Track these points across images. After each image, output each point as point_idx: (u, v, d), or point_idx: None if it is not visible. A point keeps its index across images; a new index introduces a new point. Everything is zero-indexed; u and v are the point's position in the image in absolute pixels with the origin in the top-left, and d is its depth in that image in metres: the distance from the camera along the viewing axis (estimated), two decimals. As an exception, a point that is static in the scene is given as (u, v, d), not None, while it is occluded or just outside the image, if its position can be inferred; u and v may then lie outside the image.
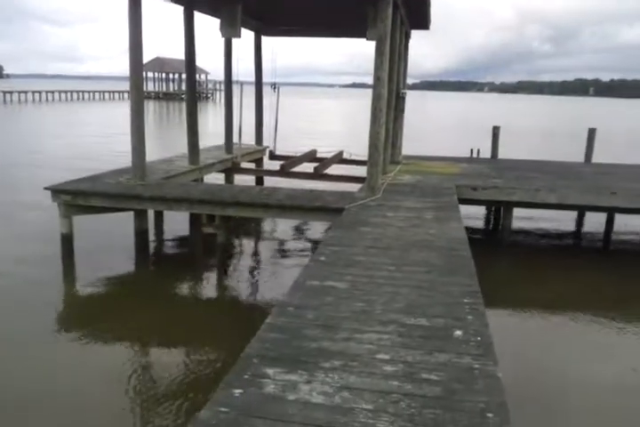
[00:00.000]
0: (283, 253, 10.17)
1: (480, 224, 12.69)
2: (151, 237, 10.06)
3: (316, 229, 11.50)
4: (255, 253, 10.27)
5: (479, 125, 42.57)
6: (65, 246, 8.83)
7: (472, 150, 15.37)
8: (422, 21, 13.58)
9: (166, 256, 9.98)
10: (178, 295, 7.90)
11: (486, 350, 3.70)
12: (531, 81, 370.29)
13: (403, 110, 13.14)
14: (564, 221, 12.59)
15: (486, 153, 14.98)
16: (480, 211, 13.19)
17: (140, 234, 9.22)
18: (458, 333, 3.96)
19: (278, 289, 7.89)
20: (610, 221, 12.08)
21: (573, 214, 12.78)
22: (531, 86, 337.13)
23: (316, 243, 10.62)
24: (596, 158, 14.47)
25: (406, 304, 4.46)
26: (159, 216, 10.90)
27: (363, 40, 11.88)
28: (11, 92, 64.68)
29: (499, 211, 12.19)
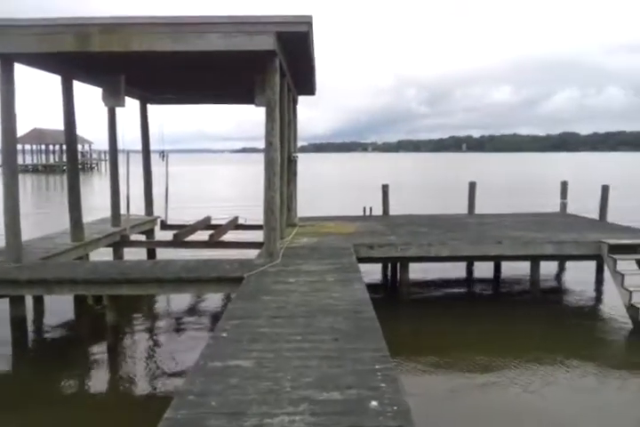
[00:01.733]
0: (181, 330, 9.46)
1: (378, 281, 12.81)
2: (30, 325, 9.03)
3: (216, 300, 11.00)
4: (150, 334, 9.40)
5: (367, 184, 44.46)
6: None
7: (365, 208, 15.80)
8: (308, 87, 14.13)
9: (48, 346, 8.84)
10: (62, 393, 6.93)
11: (404, 419, 3.53)
12: (410, 140, 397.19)
13: (295, 173, 13.32)
14: (455, 270, 13.10)
15: (378, 210, 15.45)
16: (378, 267, 13.39)
17: (17, 324, 8.21)
18: (373, 404, 3.76)
19: (179, 374, 7.31)
20: (497, 268, 12.79)
21: (463, 263, 13.34)
22: (410, 145, 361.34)
23: (216, 316, 10.11)
24: (477, 210, 15.39)
25: (316, 378, 4.22)
26: (39, 301, 9.86)
27: (251, 106, 12.09)
28: None
29: (395, 266, 12.44)
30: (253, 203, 24.31)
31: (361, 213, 15.89)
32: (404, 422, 3.49)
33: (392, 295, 11.45)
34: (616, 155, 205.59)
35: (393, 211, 15.23)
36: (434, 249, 10.17)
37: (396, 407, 3.70)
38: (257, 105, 10.57)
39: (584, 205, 17.14)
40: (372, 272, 12.84)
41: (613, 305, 10.12)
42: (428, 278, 12.70)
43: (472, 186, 15.24)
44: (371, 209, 15.77)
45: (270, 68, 8.75)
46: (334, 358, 4.63)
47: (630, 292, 9.06)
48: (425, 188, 43.62)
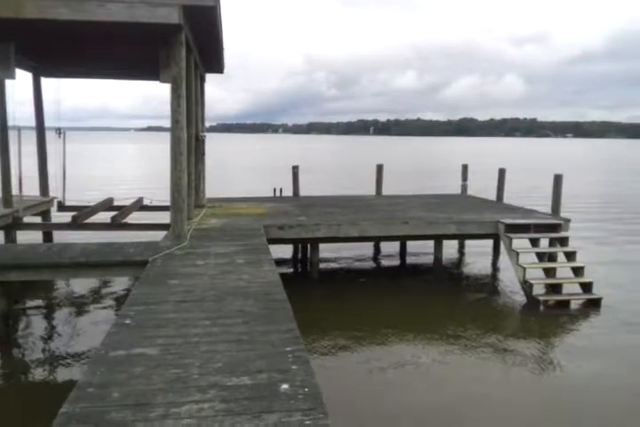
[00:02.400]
0: (81, 318, 8.93)
1: (289, 261, 12.82)
2: None
3: (121, 284, 10.53)
4: (46, 322, 8.78)
5: (278, 165, 44.28)
6: None
7: (275, 190, 15.69)
8: (217, 65, 13.65)
9: None
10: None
11: (315, 402, 3.51)
12: (320, 122, 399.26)
13: (203, 153, 12.91)
14: (363, 249, 13.40)
15: (288, 191, 15.40)
16: (288, 248, 13.40)
17: None
18: (284, 387, 3.72)
19: (77, 365, 6.92)
20: (403, 247, 13.22)
21: (371, 243, 13.65)
22: (320, 127, 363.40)
23: (120, 301, 9.67)
24: (385, 191, 15.74)
25: (226, 363, 4.12)
26: None
27: (157, 82, 11.48)
28: None
29: (305, 247, 12.49)
30: (158, 183, 23.51)
31: (271, 195, 15.78)
32: (316, 404, 3.48)
33: (302, 276, 11.50)
34: (510, 140, 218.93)
35: (303, 192, 15.24)
36: (343, 229, 10.30)
37: (307, 389, 3.68)
38: (162, 81, 10.03)
39: (482, 186, 18.03)
40: (282, 253, 12.83)
41: (509, 281, 10.79)
42: (338, 258, 12.91)
43: (379, 168, 15.54)
44: (281, 190, 15.70)
45: (175, 42, 8.35)
46: (244, 341, 4.54)
47: (524, 268, 9.68)
48: (335, 169, 44.17)
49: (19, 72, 11.11)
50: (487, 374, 6.90)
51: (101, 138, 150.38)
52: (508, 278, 10.90)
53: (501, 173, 14.29)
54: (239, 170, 41.39)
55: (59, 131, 13.35)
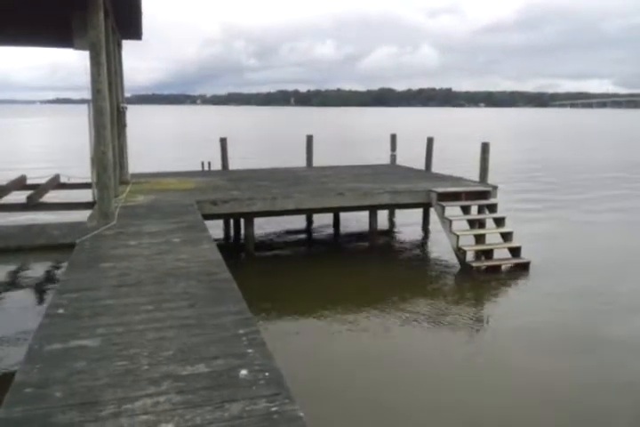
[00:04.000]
0: (7, 304, 8.27)
1: (221, 237, 12.46)
2: None
3: (41, 269, 9.80)
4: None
5: (201, 137, 42.96)
6: None
7: (203, 163, 15.13)
8: (133, 31, 12.75)
9: None
10: None
11: (278, 386, 3.35)
12: (239, 93, 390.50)
13: (125, 125, 12.15)
14: (295, 222, 13.26)
15: (217, 165, 14.90)
16: (218, 223, 13.01)
17: None
18: (243, 372, 3.53)
19: (7, 359, 6.39)
20: (336, 218, 13.20)
21: (301, 216, 13.48)
22: (240, 98, 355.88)
23: (43, 288, 9.02)
24: (314, 162, 15.57)
25: (177, 350, 3.86)
26: None
27: (67, 50, 10.54)
28: None
29: (238, 222, 12.18)
30: (73, 159, 22.13)
31: (199, 168, 15.21)
32: (279, 389, 3.31)
33: (237, 252, 11.22)
34: (427, 110, 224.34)
35: (232, 165, 14.80)
36: (279, 203, 10.08)
37: (267, 374, 3.50)
38: (76, 48, 9.18)
39: (409, 156, 18.29)
40: (213, 228, 12.43)
41: (440, 248, 11.05)
42: (271, 232, 12.71)
43: (309, 139, 15.32)
44: (209, 164, 15.17)
45: (92, 4, 7.64)
46: (193, 326, 4.28)
47: (458, 236, 9.90)
48: (260, 141, 43.46)
49: None
50: (426, 337, 7.08)
51: (3, 111, 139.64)
52: (440, 246, 11.15)
53: (429, 141, 14.48)
54: (161, 143, 39.78)
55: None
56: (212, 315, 4.50)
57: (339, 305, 8.05)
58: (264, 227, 12.72)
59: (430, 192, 10.77)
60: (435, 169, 14.52)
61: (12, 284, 9.23)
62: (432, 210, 11.47)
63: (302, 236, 12.88)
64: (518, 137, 53.83)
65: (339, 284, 9.01)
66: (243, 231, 11.40)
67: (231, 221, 12.53)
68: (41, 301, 8.37)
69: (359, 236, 12.49)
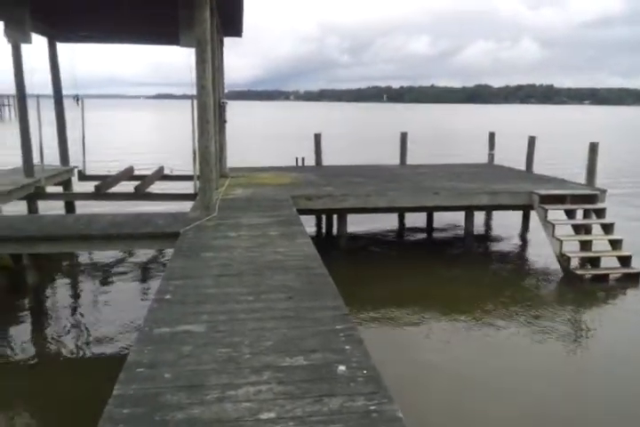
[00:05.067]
0: (110, 289, 8.84)
1: (313, 232, 12.61)
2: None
3: (145, 254, 10.40)
4: (77, 294, 8.72)
5: (294, 133, 43.75)
6: None
7: (297, 159, 15.38)
8: (235, 28, 13.18)
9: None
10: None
11: (377, 385, 3.33)
12: (332, 89, 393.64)
13: (225, 121, 12.59)
14: (388, 220, 13.13)
15: (310, 160, 15.09)
16: (310, 218, 13.16)
17: None
18: (341, 368, 3.54)
19: (112, 337, 6.83)
20: (430, 218, 12.94)
21: (393, 214, 13.31)
22: (332, 94, 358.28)
23: (146, 272, 9.59)
24: (408, 160, 15.37)
25: (277, 341, 3.94)
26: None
27: (168, 48, 10.93)
28: None
29: (330, 217, 12.27)
30: (176, 151, 23.24)
31: (293, 164, 15.48)
32: (378, 388, 3.29)
33: (329, 247, 11.30)
34: (526, 107, 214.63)
35: (325, 161, 14.93)
36: (372, 200, 10.03)
37: (365, 372, 3.49)
38: (182, 45, 9.61)
39: (508, 155, 17.58)
40: (305, 223, 12.59)
41: (542, 254, 10.52)
42: (363, 229, 12.67)
43: (403, 136, 15.13)
44: (303, 159, 15.39)
45: (199, 2, 7.91)
46: (292, 318, 4.36)
47: (561, 241, 9.39)
48: (353, 137, 43.52)
49: (34, 37, 10.74)
50: (528, 348, 6.74)
51: (112, 105, 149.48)
52: (541, 251, 10.63)
53: (531, 140, 13.84)
54: (256, 138, 40.87)
55: (76, 98, 13.06)
56: (310, 309, 4.55)
57: (430, 311, 7.86)
58: (356, 223, 12.70)
59: (532, 194, 10.30)
60: (536, 170, 13.87)
61: (123, 267, 9.89)
62: (533, 213, 10.95)
63: (394, 235, 12.75)
64: (628, 137, 50.24)
65: (430, 288, 8.79)
66: (335, 227, 11.46)
67: (323, 217, 12.65)
68: (147, 285, 8.90)
69: (454, 238, 12.18)
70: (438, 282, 9.07)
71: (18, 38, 9.59)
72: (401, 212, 12.60)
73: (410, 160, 15.39)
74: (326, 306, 4.61)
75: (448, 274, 9.46)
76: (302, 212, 9.80)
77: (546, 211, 9.85)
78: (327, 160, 15.15)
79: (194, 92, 8.65)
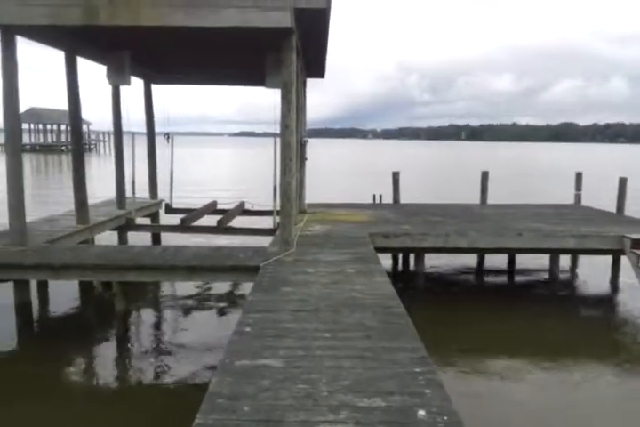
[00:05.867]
0: (191, 318, 9.14)
1: (388, 271, 12.46)
2: (35, 311, 8.66)
3: (223, 286, 10.67)
4: (159, 322, 9.08)
5: (370, 170, 44.04)
6: None
7: (374, 196, 15.44)
8: (318, 69, 13.67)
9: (54, 332, 8.44)
10: (70, 384, 6.61)
11: (458, 433, 3.21)
12: (410, 127, 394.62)
13: (305, 158, 12.92)
14: (467, 261, 12.77)
15: (387, 198, 15.09)
16: (386, 256, 13.04)
17: (22, 308, 7.89)
18: (421, 413, 3.45)
19: (192, 365, 6.99)
20: (512, 260, 12.46)
21: (472, 255, 12.94)
22: (410, 132, 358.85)
23: (225, 303, 9.82)
24: (489, 199, 15.02)
25: (354, 380, 3.90)
26: (43, 285, 9.46)
27: (253, 88, 11.33)
28: None
29: (407, 256, 12.13)
30: (256, 187, 23.97)
31: (369, 201, 15.54)
32: (460, 435, 3.18)
33: (406, 286, 11.13)
34: (615, 147, 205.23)
35: (402, 199, 14.88)
36: (452, 240, 9.84)
37: (446, 418, 3.38)
38: (267, 86, 10.06)
39: (597, 196, 16.81)
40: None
41: (634, 303, 9.84)
42: (441, 269, 12.40)
43: (484, 175, 14.86)
44: (380, 197, 15.42)
45: (286, 46, 8.28)
46: (369, 358, 4.31)
47: (656, 289, 8.77)
48: (431, 175, 43.18)
49: (132, 80, 11.61)
50: (614, 404, 6.25)
51: (198, 142, 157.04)
52: (633, 300, 9.95)
53: (622, 182, 13.19)
54: (333, 175, 41.47)
55: (167, 136, 13.89)
56: (388, 349, 4.49)
57: (516, 356, 7.47)
58: (434, 263, 12.47)
59: (623, 238, 9.73)
60: (628, 212, 13.14)
61: (204, 299, 10.19)
62: (624, 258, 10.32)
63: (474, 276, 12.38)
64: None
65: (512, 334, 8.36)
66: (412, 266, 11.31)
67: (399, 255, 12.51)
68: (224, 316, 9.12)
69: (537, 282, 11.64)
70: (524, 327, 8.63)
71: (118, 81, 10.38)
72: (481, 253, 12.25)
73: (491, 199, 15.05)
74: (404, 347, 4.53)
75: (534, 319, 9.01)
76: (379, 250, 9.76)
77: (638, 256, 9.26)
78: (405, 198, 15.11)
79: (275, 130, 8.99)
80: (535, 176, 43.88)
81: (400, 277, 12.01)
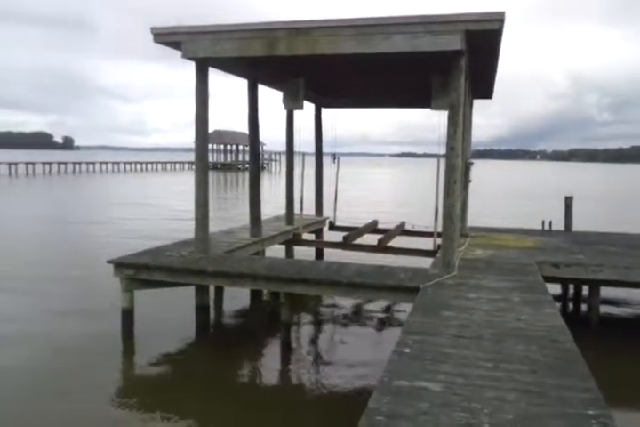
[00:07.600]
0: (349, 332, 9.43)
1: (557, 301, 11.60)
2: (212, 313, 9.59)
3: (380, 304, 10.80)
4: (320, 333, 9.52)
5: (539, 194, 41.54)
6: (125, 321, 8.49)
7: (543, 222, 14.53)
8: (486, 90, 13.37)
9: (228, 335, 9.33)
10: (243, 385, 7.19)
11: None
12: (584, 148, 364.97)
13: (469, 180, 12.64)
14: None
15: (558, 225, 14.12)
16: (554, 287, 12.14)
17: (202, 310, 8.82)
18: (593, 460, 3.19)
19: (356, 381, 7.19)
20: None
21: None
22: (584, 154, 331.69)
23: (382, 321, 9.94)
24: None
25: (517, 415, 3.73)
26: (219, 291, 10.43)
27: (410, 110, 11.38)
28: (79, 163, 69.26)
29: (578, 289, 11.21)
30: (422, 208, 23.93)
31: (537, 226, 14.65)
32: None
33: (576, 322, 10.28)
34: None
35: (575, 226, 13.81)
36: (634, 274, 8.90)
37: (623, 469, 3.09)
38: (433, 108, 10.04)
39: None
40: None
41: None
42: (621, 305, 11.22)
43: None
44: (550, 223, 14.47)
45: (455, 68, 8.25)
46: (535, 393, 4.08)
47: None
48: (610, 201, 39.42)
49: (304, 104, 12.37)
50: None
51: (362, 163, 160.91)
52: None
53: None
54: (498, 198, 39.82)
55: (334, 156, 14.51)
56: (556, 386, 4.21)
57: None
58: (611, 298, 11.33)
59: None
60: None
61: (361, 315, 10.43)
62: None
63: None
64: None
65: None
66: (584, 300, 10.43)
67: (570, 287, 11.61)
68: (381, 334, 9.25)
69: None
70: None
71: (293, 106, 11.14)
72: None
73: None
74: (575, 386, 4.22)
75: None
76: (548, 279, 9.18)
77: None
78: (578, 225, 14.02)
79: (436, 151, 8.94)
80: None
81: (571, 311, 11.14)
